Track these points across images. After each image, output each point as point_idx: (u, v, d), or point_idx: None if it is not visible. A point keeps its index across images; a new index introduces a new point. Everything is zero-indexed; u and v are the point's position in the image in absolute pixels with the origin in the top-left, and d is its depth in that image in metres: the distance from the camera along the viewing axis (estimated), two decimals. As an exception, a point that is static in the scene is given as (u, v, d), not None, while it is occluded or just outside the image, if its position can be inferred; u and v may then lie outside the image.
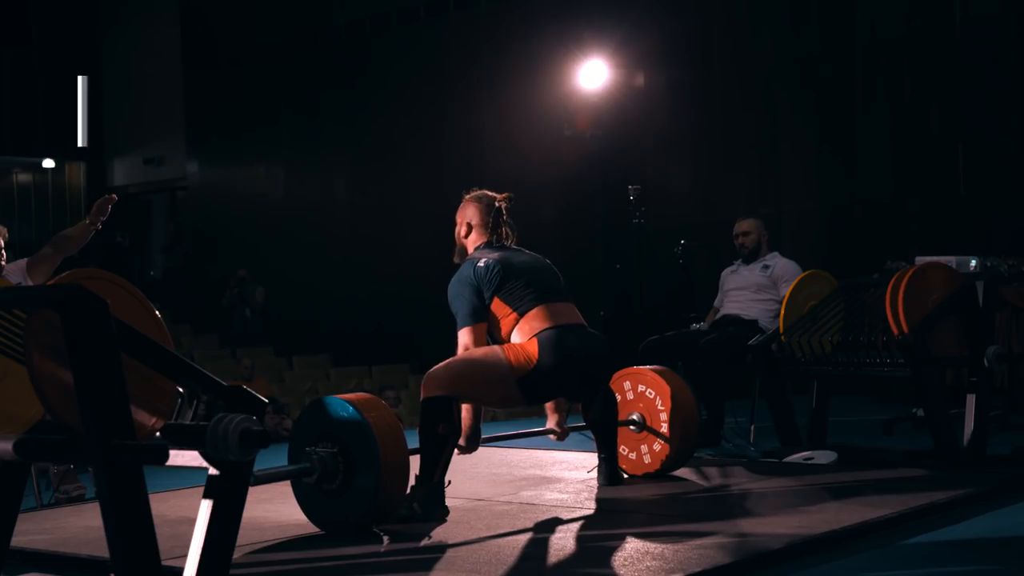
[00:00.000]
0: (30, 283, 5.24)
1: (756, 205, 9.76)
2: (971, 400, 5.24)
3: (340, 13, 15.68)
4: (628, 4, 11.95)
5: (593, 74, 11.34)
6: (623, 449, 5.12)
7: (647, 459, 5.06)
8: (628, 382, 5.16)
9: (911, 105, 10.67)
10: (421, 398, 4.24)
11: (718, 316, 6.63)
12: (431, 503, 4.10)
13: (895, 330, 5.22)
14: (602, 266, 11.92)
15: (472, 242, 4.67)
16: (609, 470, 4.85)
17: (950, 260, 6.41)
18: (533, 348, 4.29)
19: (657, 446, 5.04)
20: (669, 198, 11.75)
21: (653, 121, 12.09)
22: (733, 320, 6.46)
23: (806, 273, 6.09)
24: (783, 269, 6.50)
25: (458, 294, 4.44)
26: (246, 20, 16.87)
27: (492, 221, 4.65)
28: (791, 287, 5.93)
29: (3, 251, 5.36)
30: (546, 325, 4.33)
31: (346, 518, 3.91)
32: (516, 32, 13.25)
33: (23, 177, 19.67)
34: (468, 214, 4.70)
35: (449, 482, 4.20)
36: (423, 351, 14.32)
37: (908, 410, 7.02)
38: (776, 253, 6.68)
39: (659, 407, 5.05)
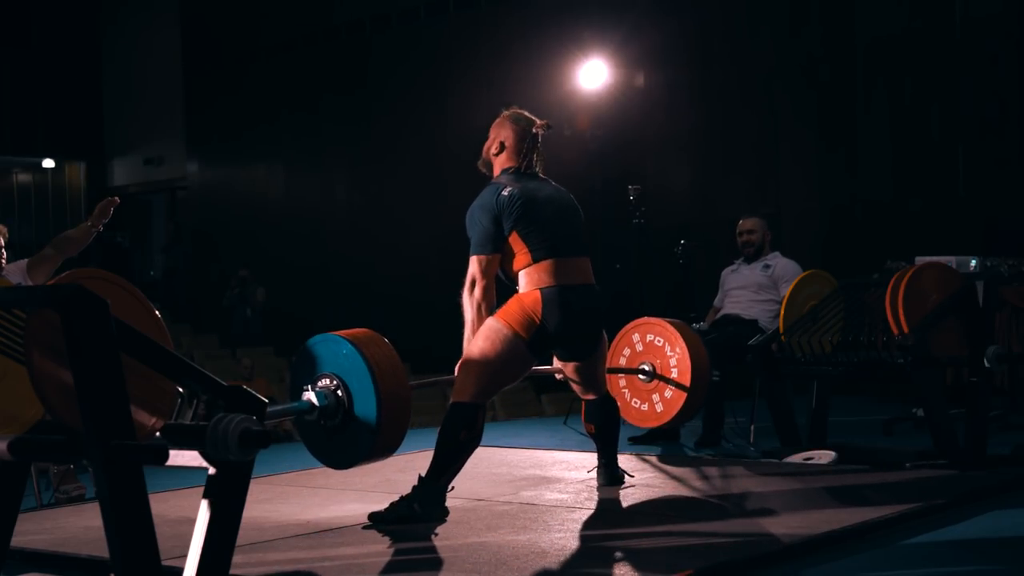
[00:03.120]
0: (30, 284, 5.24)
1: (756, 205, 9.76)
2: (971, 400, 5.24)
3: (340, 13, 15.69)
4: (628, 4, 11.96)
5: (593, 74, 11.34)
6: (635, 402, 5.10)
7: (659, 408, 5.04)
8: (636, 334, 5.15)
9: (911, 105, 10.68)
10: (450, 402, 4.23)
11: (718, 316, 6.63)
12: (432, 503, 4.09)
13: (895, 330, 5.22)
14: (602, 266, 11.86)
15: (500, 163, 4.55)
16: (609, 473, 4.82)
17: (950, 260, 6.41)
18: (537, 305, 4.25)
19: (669, 393, 5.01)
20: (669, 198, 11.76)
21: (653, 121, 12.09)
22: (733, 320, 6.46)
23: (806, 273, 6.09)
24: (784, 269, 6.50)
25: (477, 220, 4.34)
26: (246, 20, 16.88)
27: (526, 147, 4.52)
28: (791, 287, 5.93)
29: (3, 251, 5.36)
30: (552, 282, 4.28)
31: (351, 453, 3.91)
32: (516, 32, 13.26)
33: (23, 177, 19.69)
34: (504, 133, 4.58)
35: (452, 487, 4.19)
36: (424, 352, 14.33)
37: (908, 410, 7.02)
38: (777, 253, 6.68)
39: (669, 353, 5.03)
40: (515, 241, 4.31)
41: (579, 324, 4.33)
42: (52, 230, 19.10)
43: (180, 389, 2.91)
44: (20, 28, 18.13)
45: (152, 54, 18.59)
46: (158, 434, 2.82)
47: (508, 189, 4.35)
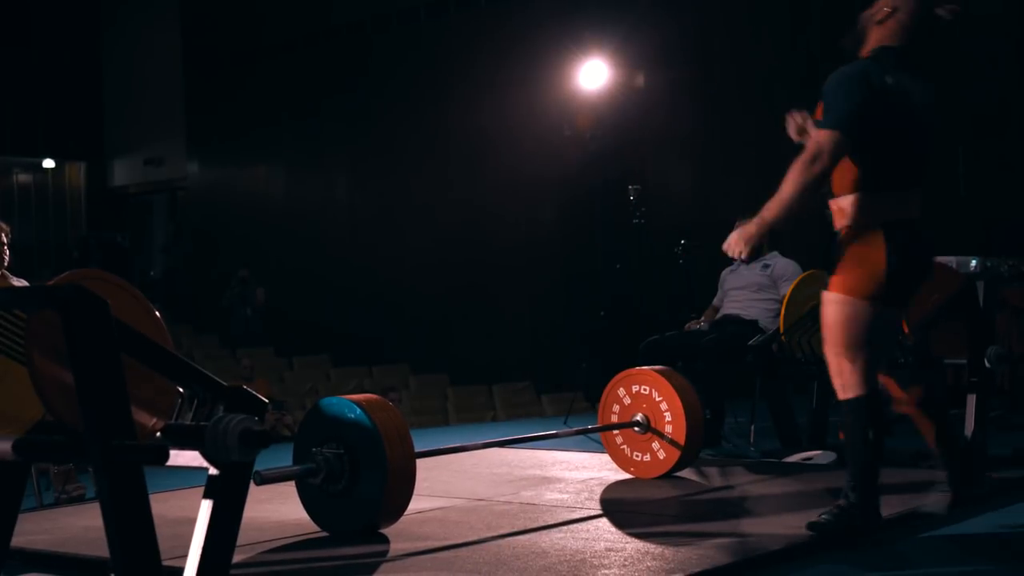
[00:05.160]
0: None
1: (756, 205, 9.78)
2: (971, 400, 5.23)
3: (341, 13, 15.70)
4: (628, 5, 11.96)
5: (593, 74, 11.35)
6: (636, 455, 5.07)
7: (662, 455, 5.02)
8: (622, 388, 5.12)
9: (911, 105, 10.68)
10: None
11: (718, 316, 6.63)
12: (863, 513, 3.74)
13: (895, 330, 5.22)
14: (602, 266, 11.92)
15: (877, 36, 3.80)
16: (952, 472, 4.04)
17: (950, 260, 6.41)
18: (878, 243, 3.64)
19: (668, 438, 4.99)
20: (669, 198, 11.76)
21: (653, 121, 12.09)
22: (733, 320, 6.46)
23: (806, 273, 6.09)
24: (783, 268, 6.50)
25: (839, 90, 3.62)
26: (247, 20, 16.89)
27: (915, 27, 3.79)
28: (791, 287, 5.93)
29: (7, 249, 5.37)
30: (891, 216, 3.64)
31: (352, 521, 3.89)
32: (517, 33, 13.26)
33: (23, 177, 19.69)
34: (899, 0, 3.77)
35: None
36: (423, 351, 14.35)
37: (908, 410, 7.01)
38: (776, 253, 6.68)
39: (658, 399, 5.02)
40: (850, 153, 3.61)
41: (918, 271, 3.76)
42: (52, 230, 19.13)
43: (180, 389, 2.91)
44: (20, 27, 18.14)
45: (152, 54, 18.59)
46: (158, 434, 2.82)
47: (888, 77, 3.65)
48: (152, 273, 19.55)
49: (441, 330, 14.23)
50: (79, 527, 4.17)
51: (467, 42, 13.98)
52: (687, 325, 6.68)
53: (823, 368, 5.65)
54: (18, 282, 5.22)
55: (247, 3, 16.96)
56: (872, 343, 3.68)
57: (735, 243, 3.78)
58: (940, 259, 6.19)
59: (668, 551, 3.53)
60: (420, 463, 4.06)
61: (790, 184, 3.62)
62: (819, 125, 3.62)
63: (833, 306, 3.70)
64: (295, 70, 16.17)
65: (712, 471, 5.23)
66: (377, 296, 14.92)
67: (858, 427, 3.68)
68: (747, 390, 6.77)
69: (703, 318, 6.68)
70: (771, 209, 3.68)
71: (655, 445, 5.03)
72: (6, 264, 5.37)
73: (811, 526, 3.70)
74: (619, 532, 3.88)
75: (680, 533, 3.91)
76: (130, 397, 2.59)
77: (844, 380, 3.71)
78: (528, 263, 13.44)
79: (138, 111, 18.89)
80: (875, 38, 3.76)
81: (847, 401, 3.71)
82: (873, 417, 3.66)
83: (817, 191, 3.65)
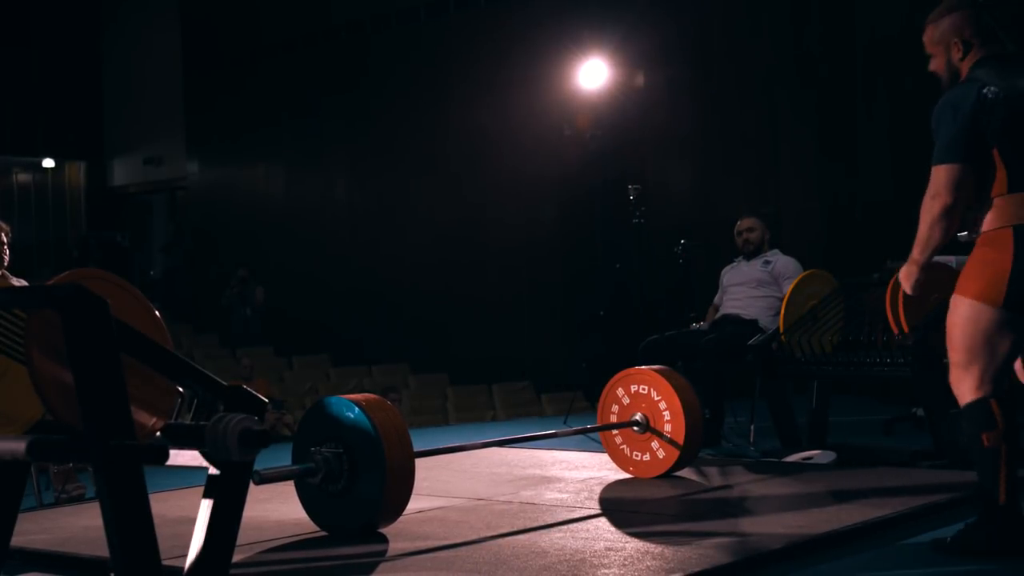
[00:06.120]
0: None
1: (756, 205, 9.78)
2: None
3: (340, 13, 15.69)
4: (627, 4, 11.96)
5: (593, 74, 11.34)
6: (635, 454, 5.07)
7: (661, 454, 5.02)
8: (620, 388, 5.12)
9: (911, 104, 10.66)
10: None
11: (718, 315, 6.63)
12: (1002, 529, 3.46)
13: (895, 330, 5.22)
14: (601, 265, 11.91)
15: (971, 61, 3.55)
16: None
17: (950, 260, 6.41)
18: (1006, 250, 3.42)
19: (667, 437, 5.00)
20: (669, 198, 11.76)
21: (653, 121, 12.09)
22: (733, 320, 6.46)
23: (806, 273, 6.09)
24: (784, 266, 6.51)
25: (945, 120, 3.46)
26: (246, 20, 16.89)
27: (990, 26, 3.54)
28: (791, 286, 5.93)
29: (7, 249, 5.37)
30: None
31: (351, 520, 3.89)
32: (516, 32, 13.26)
33: (23, 177, 19.69)
34: (955, 35, 3.57)
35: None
36: (423, 351, 14.34)
37: (908, 410, 7.02)
38: (777, 250, 6.69)
39: (656, 398, 5.01)
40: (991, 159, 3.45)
41: None
42: (52, 230, 19.13)
43: (180, 389, 2.91)
44: (20, 27, 18.14)
45: (152, 54, 18.59)
46: (158, 434, 2.83)
47: (990, 88, 3.43)
48: (152, 273, 19.55)
49: (441, 330, 14.22)
50: (79, 527, 4.17)
51: (467, 42, 13.97)
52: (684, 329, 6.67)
53: (823, 368, 5.69)
54: (18, 282, 5.22)
55: (247, 3, 16.96)
56: (996, 350, 3.48)
57: (904, 284, 3.78)
58: (939, 259, 6.21)
59: (668, 551, 3.53)
60: (420, 463, 4.05)
61: (921, 223, 3.57)
62: (933, 162, 3.52)
63: (954, 309, 3.58)
64: (295, 70, 16.17)
65: (712, 471, 5.23)
66: (377, 296, 14.91)
67: (971, 434, 3.49)
68: (747, 390, 6.77)
69: (704, 320, 6.68)
70: (916, 250, 3.64)
71: (654, 445, 5.02)
72: (6, 264, 5.38)
73: (952, 543, 3.50)
74: (619, 532, 3.88)
75: (680, 533, 3.91)
76: (130, 397, 2.59)
77: (959, 388, 3.54)
78: (528, 263, 13.44)
79: (138, 111, 18.89)
80: (968, 65, 3.56)
81: (962, 409, 3.54)
82: (988, 421, 3.43)
83: (956, 221, 3.52)
